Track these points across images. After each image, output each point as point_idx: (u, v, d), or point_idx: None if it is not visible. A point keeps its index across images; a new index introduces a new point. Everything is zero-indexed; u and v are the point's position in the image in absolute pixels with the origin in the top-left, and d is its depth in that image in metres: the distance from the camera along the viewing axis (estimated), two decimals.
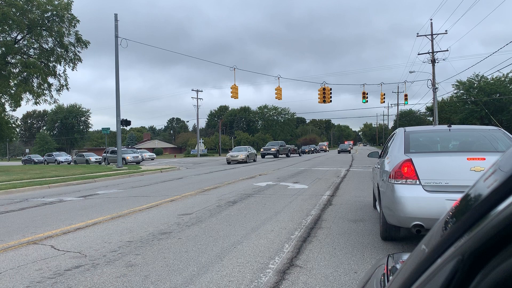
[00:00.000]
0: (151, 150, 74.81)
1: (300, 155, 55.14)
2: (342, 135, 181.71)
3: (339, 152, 66.22)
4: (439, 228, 0.82)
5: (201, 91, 65.08)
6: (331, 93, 36.42)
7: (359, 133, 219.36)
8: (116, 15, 31.09)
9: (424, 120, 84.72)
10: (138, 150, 63.24)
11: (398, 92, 70.66)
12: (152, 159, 58.82)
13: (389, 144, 7.37)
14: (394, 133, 7.39)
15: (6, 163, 69.29)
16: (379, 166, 7.32)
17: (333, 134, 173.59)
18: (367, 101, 40.97)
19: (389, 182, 5.75)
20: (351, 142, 77.19)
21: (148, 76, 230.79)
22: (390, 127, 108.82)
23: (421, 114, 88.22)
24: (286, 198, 11.30)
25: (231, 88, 35.49)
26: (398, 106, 77.93)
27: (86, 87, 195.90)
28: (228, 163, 35.97)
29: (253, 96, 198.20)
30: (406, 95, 48.53)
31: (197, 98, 64.13)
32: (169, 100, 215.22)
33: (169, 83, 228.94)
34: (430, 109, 64.23)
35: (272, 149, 47.04)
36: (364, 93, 40.36)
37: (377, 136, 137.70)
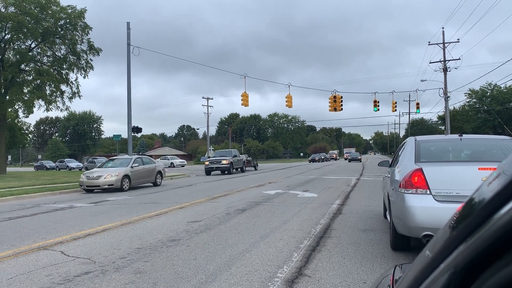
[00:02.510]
0: (161, 157, 75.22)
1: (255, 169, 39.38)
2: (353, 143, 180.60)
3: (349, 160, 65.91)
4: (443, 233, 0.81)
5: (211, 99, 65.40)
6: (341, 101, 36.34)
7: (370, 142, 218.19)
8: (128, 23, 31.39)
9: (436, 129, 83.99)
10: (168, 157, 63.92)
11: (409, 101, 70.16)
12: (183, 166, 59.75)
13: (399, 153, 7.32)
14: (405, 142, 7.34)
15: (18, 169, 70.15)
16: (389, 175, 7.27)
17: (343, 143, 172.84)
18: (378, 110, 40.77)
19: (399, 192, 5.71)
20: (352, 150, 75.21)
21: (154, 83, 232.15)
22: (401, 135, 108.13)
23: (432, 123, 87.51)
24: (295, 207, 11.26)
25: (241, 96, 35.56)
26: (409, 114, 77.41)
27: (93, 94, 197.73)
28: (87, 191, 18.66)
29: (260, 103, 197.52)
30: (417, 104, 48.18)
31: (207, 105, 64.43)
32: (177, 107, 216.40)
33: (175, 91, 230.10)
34: (442, 118, 63.73)
35: (224, 162, 31.72)
36: (375, 101, 40.19)
37: (388, 145, 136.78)
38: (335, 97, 35.94)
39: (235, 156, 34.16)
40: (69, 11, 38.11)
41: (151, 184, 21.76)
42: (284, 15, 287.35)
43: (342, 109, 36.52)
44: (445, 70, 40.33)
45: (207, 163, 33.00)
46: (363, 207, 10.99)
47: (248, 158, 39.94)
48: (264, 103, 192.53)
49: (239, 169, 34.91)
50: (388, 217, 6.99)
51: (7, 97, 37.62)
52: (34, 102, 39.34)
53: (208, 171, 32.18)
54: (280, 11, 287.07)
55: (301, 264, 5.59)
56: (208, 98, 64.48)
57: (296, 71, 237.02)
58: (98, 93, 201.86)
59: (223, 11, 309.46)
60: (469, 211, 0.74)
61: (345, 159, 78.80)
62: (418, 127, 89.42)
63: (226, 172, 32.20)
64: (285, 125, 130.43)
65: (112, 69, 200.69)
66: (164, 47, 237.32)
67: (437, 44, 40.77)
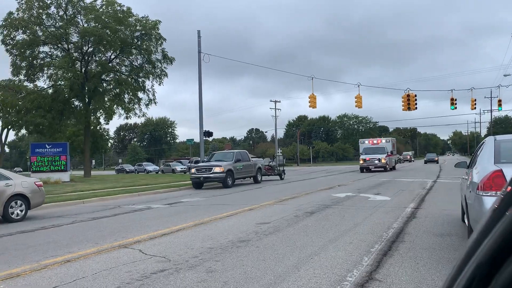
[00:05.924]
0: None
1: (281, 178, 28.34)
2: (429, 144, 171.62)
3: (425, 162, 62.84)
4: (488, 215, 0.79)
5: (279, 102, 65.78)
6: (416, 99, 34.80)
7: (448, 142, 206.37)
8: (199, 31, 32.52)
9: None
10: None
11: (491, 97, 65.46)
12: None
13: (478, 154, 6.89)
14: (483, 142, 6.90)
15: (101, 172, 75.33)
16: (467, 177, 6.88)
17: (419, 143, 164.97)
18: (455, 108, 38.52)
19: (477, 194, 5.38)
20: (376, 141, 64.55)
21: (216, 88, 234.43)
22: (483, 135, 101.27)
23: None
24: (366, 210, 10.99)
25: (309, 98, 35.41)
26: (491, 112, 72.24)
27: (160, 100, 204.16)
28: None
29: (323, 104, 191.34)
30: (500, 101, 44.94)
31: (275, 108, 64.97)
32: (243, 111, 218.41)
33: (238, 95, 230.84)
34: None
35: (217, 170, 22.19)
36: (452, 99, 38.03)
37: (468, 145, 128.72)
38: (408, 95, 34.50)
39: (239, 160, 24.07)
40: (144, 22, 40.38)
41: None
42: (340, 14, 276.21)
43: (416, 108, 34.99)
44: None
45: (193, 171, 23.39)
46: (439, 211, 10.46)
47: (271, 163, 29.22)
48: (328, 104, 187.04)
49: (247, 179, 25.58)
50: (466, 221, 6.61)
51: (91, 106, 40.65)
52: (114, 110, 42.18)
53: (196, 184, 22.87)
54: (335, 10, 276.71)
55: (372, 268, 5.46)
56: (276, 101, 64.98)
57: (359, 70, 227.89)
58: (164, 99, 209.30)
59: (277, 13, 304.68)
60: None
61: (363, 168, 35.59)
62: (501, 126, 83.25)
63: (222, 184, 22.54)
64: (355, 126, 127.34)
65: (174, 75, 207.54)
66: (222, 52, 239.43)
67: None
